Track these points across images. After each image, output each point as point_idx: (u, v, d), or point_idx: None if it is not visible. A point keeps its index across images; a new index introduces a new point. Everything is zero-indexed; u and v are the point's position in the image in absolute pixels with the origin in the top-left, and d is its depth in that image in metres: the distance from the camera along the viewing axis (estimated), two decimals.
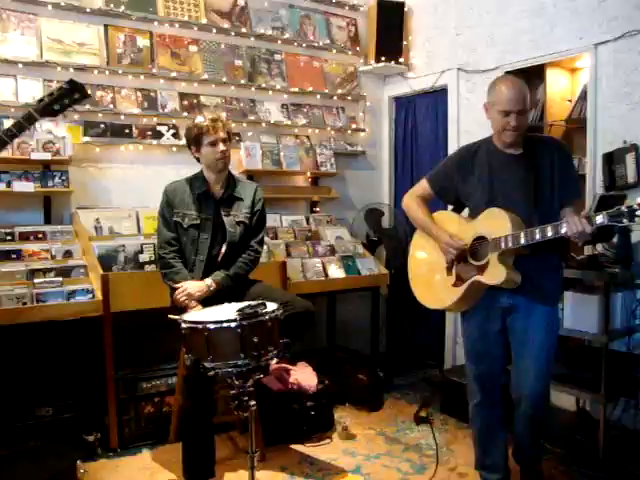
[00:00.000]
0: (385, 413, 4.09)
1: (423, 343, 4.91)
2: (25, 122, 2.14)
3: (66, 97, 2.23)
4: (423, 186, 2.89)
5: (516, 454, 2.83)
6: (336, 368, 4.26)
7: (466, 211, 2.84)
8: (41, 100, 2.22)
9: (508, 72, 3.91)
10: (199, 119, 3.15)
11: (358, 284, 4.38)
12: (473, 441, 2.94)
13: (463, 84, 4.54)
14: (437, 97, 4.86)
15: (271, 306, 2.53)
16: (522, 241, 2.43)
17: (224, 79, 4.36)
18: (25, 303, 3.20)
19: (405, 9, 4.96)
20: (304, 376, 3.68)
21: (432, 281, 2.83)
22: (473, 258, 2.65)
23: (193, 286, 3.05)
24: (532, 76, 3.91)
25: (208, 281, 3.09)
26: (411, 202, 2.91)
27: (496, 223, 2.54)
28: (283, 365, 3.63)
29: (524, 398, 2.65)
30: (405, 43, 4.99)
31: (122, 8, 4.01)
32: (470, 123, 4.43)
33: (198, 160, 3.23)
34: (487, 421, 2.82)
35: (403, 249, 4.62)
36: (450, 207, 3.01)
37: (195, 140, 3.14)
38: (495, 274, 2.53)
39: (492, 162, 2.66)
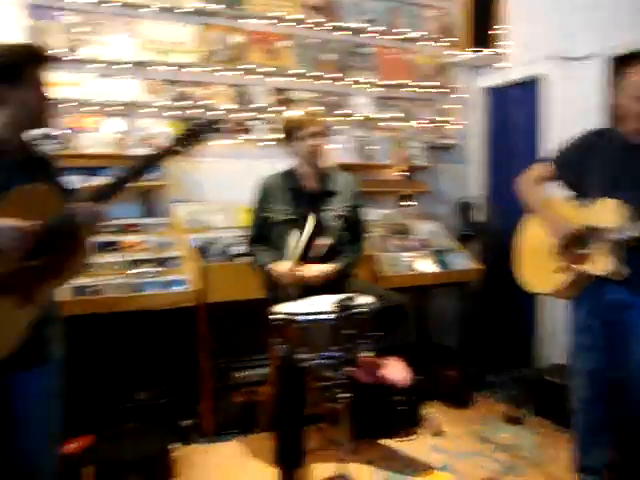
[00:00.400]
0: (475, 411, 4.02)
1: (516, 340, 4.76)
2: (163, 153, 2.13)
3: (190, 141, 2.14)
4: (538, 167, 2.81)
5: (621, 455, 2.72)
6: (425, 364, 4.19)
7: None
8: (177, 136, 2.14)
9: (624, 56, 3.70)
10: (295, 112, 3.16)
11: (450, 279, 4.32)
12: (574, 440, 2.81)
13: (560, 72, 4.36)
14: (532, 87, 4.69)
15: (365, 299, 2.51)
16: (636, 234, 2.34)
17: (315, 73, 4.38)
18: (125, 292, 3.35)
19: None
20: (394, 370, 3.64)
21: (539, 264, 2.77)
22: (583, 246, 2.57)
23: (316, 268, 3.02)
24: None
25: (330, 266, 3.06)
26: (525, 184, 2.84)
27: (610, 213, 2.45)
28: (374, 358, 3.61)
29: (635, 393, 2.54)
30: (499, 32, 4.84)
31: (216, 6, 4.10)
32: (568, 113, 4.24)
33: (293, 154, 3.25)
34: (590, 418, 2.70)
35: (497, 244, 4.51)
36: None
37: (291, 133, 3.15)
38: (603, 264, 2.47)
39: (616, 150, 2.55)
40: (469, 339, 4.58)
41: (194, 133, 2.14)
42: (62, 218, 1.92)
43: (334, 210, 3.17)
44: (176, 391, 3.62)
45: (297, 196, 3.18)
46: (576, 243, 2.59)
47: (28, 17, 3.61)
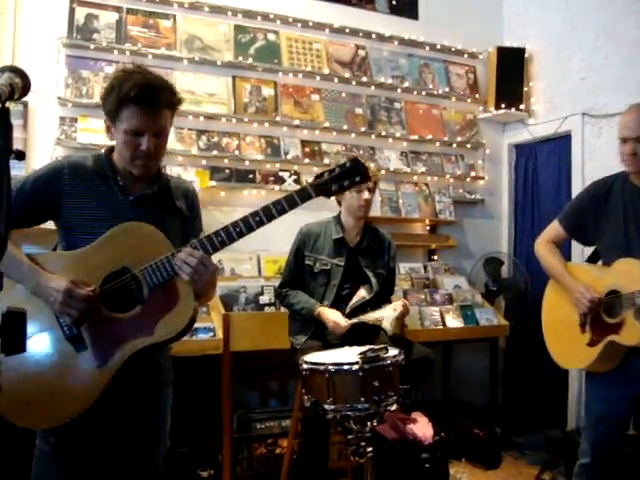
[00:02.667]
0: (504, 472, 3.89)
1: (544, 400, 4.65)
2: (298, 198, 1.81)
3: (347, 178, 1.84)
4: (554, 228, 2.75)
5: None
6: (451, 421, 4.11)
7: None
8: (320, 176, 1.86)
9: None
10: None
11: (476, 334, 4.26)
12: None
13: (588, 129, 4.38)
14: (559, 143, 4.72)
15: (392, 351, 2.49)
16: None
17: (345, 127, 4.45)
18: None
19: (526, 55, 4.89)
20: (419, 426, 3.56)
21: (566, 338, 2.63)
22: (607, 314, 2.46)
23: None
24: None
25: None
26: (542, 247, 2.76)
27: (630, 274, 2.37)
28: (398, 414, 3.55)
29: None
30: (526, 89, 4.90)
31: (249, 60, 4.22)
32: (596, 169, 4.23)
33: (339, 203, 3.26)
34: None
35: (523, 300, 4.47)
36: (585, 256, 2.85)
37: None
38: (632, 334, 2.34)
39: (628, 201, 2.49)
40: (495, 397, 4.48)
41: (347, 172, 1.89)
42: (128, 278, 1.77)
43: (376, 267, 3.18)
44: (196, 440, 3.57)
45: (340, 247, 3.18)
46: (602, 311, 2.49)
47: (65, 66, 3.74)
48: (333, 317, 2.98)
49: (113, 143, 1.91)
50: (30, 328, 1.91)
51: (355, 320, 2.96)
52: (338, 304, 3.11)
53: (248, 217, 1.82)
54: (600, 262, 2.69)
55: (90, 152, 3.61)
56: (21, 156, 1.07)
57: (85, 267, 1.78)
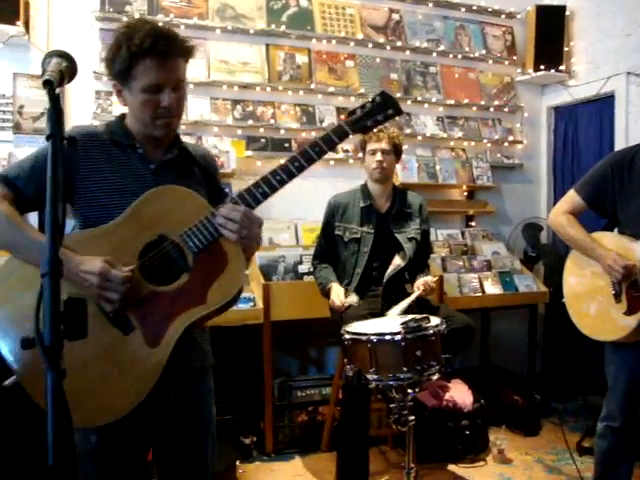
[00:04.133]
0: (543, 439, 3.88)
1: (583, 367, 4.61)
2: (335, 136, 1.70)
3: (380, 112, 1.75)
4: (571, 198, 2.63)
5: None
6: (490, 388, 4.11)
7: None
8: (352, 113, 1.76)
9: None
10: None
11: (515, 301, 4.23)
12: (595, 462, 2.67)
13: (633, 89, 4.24)
14: (602, 105, 4.59)
15: (434, 320, 2.48)
16: None
17: None
18: None
19: (566, 13, 4.73)
20: (459, 394, 3.58)
21: (598, 310, 2.55)
22: None
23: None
24: None
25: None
26: (560, 218, 2.64)
27: None
28: (439, 381, 3.56)
29: None
30: (566, 49, 4.76)
31: (282, 27, 4.17)
32: None
33: (364, 169, 3.30)
34: (617, 446, 2.55)
35: (562, 266, 4.40)
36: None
37: (360, 146, 3.23)
38: None
39: None
40: (534, 363, 4.46)
41: (379, 106, 1.77)
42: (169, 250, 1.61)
43: (408, 232, 3.18)
44: (239, 408, 3.63)
45: (368, 214, 3.20)
46: (637, 280, 2.41)
47: (99, 40, 3.74)
48: (333, 295, 3.06)
49: (126, 109, 1.76)
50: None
51: (354, 300, 2.98)
52: (370, 272, 3.15)
53: (287, 163, 1.68)
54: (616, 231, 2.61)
55: None
56: (72, 142, 1.06)
57: (119, 242, 1.61)
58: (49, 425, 0.90)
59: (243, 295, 3.47)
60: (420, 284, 3.00)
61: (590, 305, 2.60)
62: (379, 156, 3.14)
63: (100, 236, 1.62)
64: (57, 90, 1.19)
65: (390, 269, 3.11)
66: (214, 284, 1.60)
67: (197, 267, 1.61)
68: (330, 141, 1.71)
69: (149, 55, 1.60)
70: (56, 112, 1.13)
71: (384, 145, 3.12)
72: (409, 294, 3.05)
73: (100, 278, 1.50)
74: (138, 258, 1.60)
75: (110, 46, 1.66)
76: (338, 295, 3.03)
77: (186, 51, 1.69)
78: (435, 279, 3.10)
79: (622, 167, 2.49)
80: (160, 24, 1.73)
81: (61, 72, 1.25)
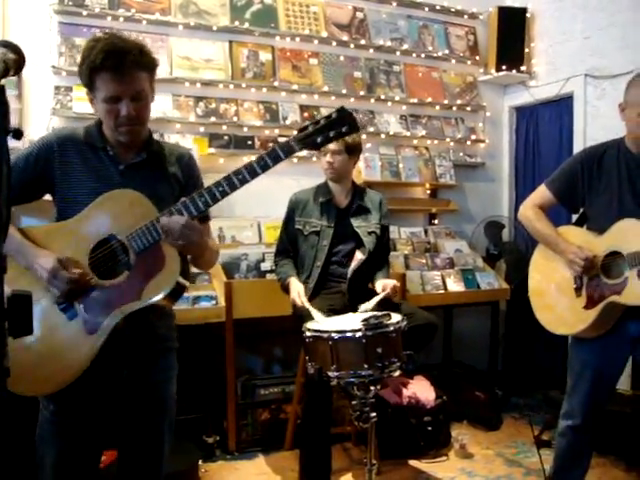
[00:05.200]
0: (504, 433, 3.95)
1: (543, 362, 4.69)
2: (282, 152, 1.73)
3: (333, 129, 1.75)
4: (542, 193, 2.68)
5: None
6: (452, 384, 4.16)
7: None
8: (304, 129, 1.77)
9: None
10: None
11: (477, 298, 4.29)
12: (554, 456, 2.71)
13: (591, 91, 4.33)
14: (561, 106, 4.67)
15: (395, 317, 2.49)
16: None
17: (344, 91, 4.39)
18: None
19: (527, 15, 4.80)
20: (421, 390, 3.61)
21: (558, 304, 2.59)
22: (606, 276, 2.44)
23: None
24: None
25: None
26: (529, 212, 2.69)
27: (633, 235, 2.34)
28: (400, 378, 3.58)
29: None
30: (527, 50, 4.83)
31: (246, 25, 4.14)
32: (598, 132, 4.20)
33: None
34: (577, 444, 2.60)
35: (524, 263, 4.45)
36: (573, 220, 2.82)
37: None
38: (636, 293, 2.32)
39: (623, 167, 2.46)
40: (496, 359, 4.52)
41: (334, 123, 1.77)
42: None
43: (368, 226, 3.21)
44: (201, 407, 3.60)
45: (327, 210, 3.24)
46: (599, 274, 2.46)
47: (58, 34, 3.67)
48: (292, 293, 3.06)
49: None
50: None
51: (308, 305, 2.92)
52: (329, 266, 3.18)
53: (231, 175, 1.75)
54: (585, 228, 2.65)
55: (87, 122, 3.58)
56: (18, 135, 1.04)
57: (74, 238, 1.81)
58: None
59: (205, 293, 3.47)
60: (388, 287, 2.99)
61: (552, 299, 2.64)
62: (329, 157, 3.18)
63: (63, 230, 1.83)
64: (1, 81, 1.16)
65: (353, 264, 3.12)
66: (150, 282, 1.76)
67: (137, 265, 1.77)
68: (276, 156, 1.75)
69: (103, 70, 1.74)
70: (1, 105, 1.10)
71: (333, 146, 3.10)
72: (372, 290, 3.07)
73: (49, 275, 1.72)
74: (90, 252, 1.79)
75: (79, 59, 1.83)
76: (298, 293, 3.02)
77: (142, 63, 1.80)
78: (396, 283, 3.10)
79: (592, 163, 2.54)
80: (130, 36, 1.90)
81: (5, 63, 1.23)
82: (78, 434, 1.82)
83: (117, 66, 1.73)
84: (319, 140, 1.77)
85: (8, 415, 1.14)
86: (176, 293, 1.83)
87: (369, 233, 3.22)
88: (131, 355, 1.86)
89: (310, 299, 3.03)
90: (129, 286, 1.76)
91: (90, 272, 1.78)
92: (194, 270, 3.59)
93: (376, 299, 2.85)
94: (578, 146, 4.37)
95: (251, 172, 1.74)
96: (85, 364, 1.74)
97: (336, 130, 1.77)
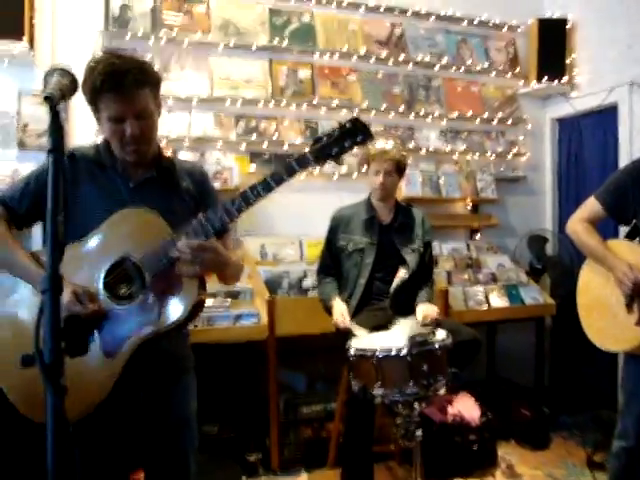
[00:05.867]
0: (552, 453, 3.84)
1: (591, 380, 4.57)
2: (297, 165, 1.69)
3: (347, 139, 1.72)
4: (591, 206, 2.62)
5: None
6: (497, 401, 4.07)
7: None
8: (318, 140, 1.74)
9: None
10: (374, 144, 3.13)
11: (521, 314, 4.20)
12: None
13: (636, 100, 4.23)
14: (605, 116, 4.57)
15: (440, 334, 2.46)
16: None
17: (383, 107, 4.39)
18: (196, 325, 3.36)
19: (568, 25, 4.73)
20: (466, 408, 3.55)
21: (609, 321, 2.52)
22: None
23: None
24: None
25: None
26: (577, 226, 2.63)
27: None
28: (445, 395, 3.52)
29: None
30: (568, 61, 4.75)
31: (285, 43, 4.18)
32: None
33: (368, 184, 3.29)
34: (632, 467, 2.48)
35: (569, 278, 4.36)
36: (623, 235, 2.75)
37: (365, 162, 3.21)
38: None
39: None
40: (542, 376, 4.42)
41: (347, 133, 1.74)
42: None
43: (411, 244, 3.17)
44: (244, 425, 3.61)
45: (371, 226, 3.20)
46: None
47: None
48: (336, 314, 3.01)
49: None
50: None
51: (351, 325, 2.90)
52: (373, 284, 3.14)
53: (247, 190, 1.71)
54: (637, 241, 2.58)
55: None
56: (73, 158, 1.06)
57: (87, 261, 1.78)
58: (49, 446, 0.89)
59: (247, 311, 3.48)
60: (428, 318, 2.93)
61: (602, 315, 2.57)
62: (381, 177, 3.12)
63: (75, 252, 1.77)
64: (59, 106, 1.19)
65: (395, 282, 3.09)
66: (167, 305, 1.73)
67: (154, 287, 1.73)
68: (291, 170, 1.70)
69: (104, 91, 1.72)
70: (56, 128, 1.14)
71: (387, 166, 3.10)
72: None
73: (65, 309, 1.59)
74: (105, 276, 1.76)
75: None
76: (342, 314, 2.98)
77: (143, 82, 1.77)
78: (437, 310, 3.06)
79: None
80: (121, 57, 1.80)
81: (61, 89, 1.26)
82: (99, 461, 1.79)
83: (117, 87, 1.72)
84: (334, 151, 1.73)
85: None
86: (197, 310, 1.81)
87: (412, 251, 3.18)
88: (147, 377, 1.84)
89: (353, 317, 3.01)
90: (146, 309, 1.73)
91: (105, 296, 1.74)
92: (233, 288, 3.63)
93: (412, 322, 2.83)
94: (623, 157, 4.28)
95: (266, 187, 1.70)
96: (107, 390, 1.71)
97: (351, 140, 1.74)
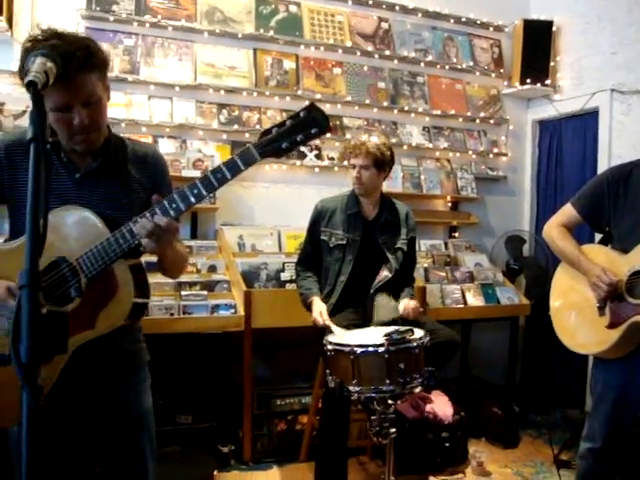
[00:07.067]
0: (522, 451, 3.88)
1: (561, 380, 4.63)
2: (241, 162, 1.51)
3: (301, 132, 1.50)
4: (568, 212, 2.64)
5: None
6: (470, 399, 4.10)
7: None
8: (267, 132, 1.52)
9: None
10: (351, 139, 3.10)
11: (497, 313, 4.24)
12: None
13: (617, 106, 4.28)
14: (586, 120, 4.62)
15: (418, 333, 2.46)
16: None
17: (367, 101, 4.38)
18: (172, 314, 3.34)
19: (553, 28, 4.76)
20: (440, 405, 3.57)
21: (581, 323, 2.55)
22: (630, 295, 2.38)
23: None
24: None
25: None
26: (554, 231, 2.65)
27: None
28: (420, 393, 3.54)
29: None
30: (552, 64, 4.78)
31: (271, 33, 4.14)
32: (624, 147, 4.17)
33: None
34: (598, 468, 2.52)
35: (544, 279, 4.42)
36: (597, 239, 2.77)
37: (346, 156, 3.19)
38: None
39: None
40: (514, 375, 4.47)
41: (307, 122, 1.52)
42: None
43: (395, 242, 3.15)
44: (217, 416, 3.58)
45: (355, 222, 3.15)
46: (622, 294, 2.40)
47: None
48: (315, 313, 2.95)
49: None
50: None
51: (329, 324, 2.84)
52: (354, 281, 3.09)
53: (185, 191, 1.56)
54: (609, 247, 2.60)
55: (118, 127, 3.59)
56: (56, 147, 1.02)
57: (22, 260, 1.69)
58: (23, 445, 0.86)
59: (224, 302, 3.45)
60: (409, 312, 2.94)
61: (574, 317, 2.60)
62: (356, 171, 3.08)
63: (12, 250, 1.69)
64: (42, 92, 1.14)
65: (377, 280, 3.07)
66: (103, 311, 1.64)
67: (89, 291, 1.63)
68: (234, 167, 1.53)
69: None
70: (39, 115, 1.08)
71: (361, 161, 3.04)
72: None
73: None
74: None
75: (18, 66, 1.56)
76: (320, 313, 2.93)
77: (90, 65, 1.60)
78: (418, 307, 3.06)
79: (618, 182, 2.49)
80: (61, 37, 1.58)
81: (46, 73, 1.20)
82: (57, 460, 1.70)
83: (62, 73, 1.43)
84: (284, 146, 1.52)
85: None
86: (136, 313, 1.72)
87: (396, 250, 3.15)
88: (95, 375, 1.76)
89: (332, 314, 2.97)
90: (81, 313, 1.62)
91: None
92: (215, 278, 3.61)
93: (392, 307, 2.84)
94: (602, 161, 4.33)
95: (207, 186, 1.54)
96: (44, 390, 1.55)
97: (304, 133, 1.51)
